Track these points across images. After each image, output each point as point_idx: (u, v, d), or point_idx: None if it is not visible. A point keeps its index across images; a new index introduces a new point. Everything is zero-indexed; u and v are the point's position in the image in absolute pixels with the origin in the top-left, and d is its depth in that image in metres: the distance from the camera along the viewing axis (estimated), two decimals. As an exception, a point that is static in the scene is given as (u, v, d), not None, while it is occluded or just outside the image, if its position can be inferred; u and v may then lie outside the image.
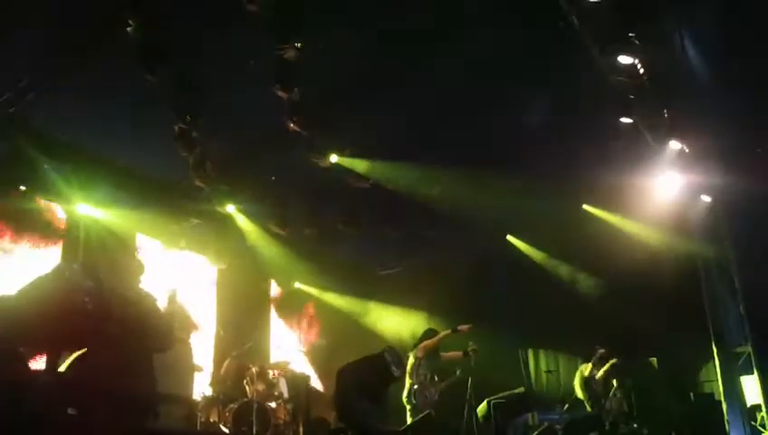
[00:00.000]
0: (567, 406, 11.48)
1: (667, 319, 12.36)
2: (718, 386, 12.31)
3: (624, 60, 9.12)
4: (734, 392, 12.15)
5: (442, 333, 9.66)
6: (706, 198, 12.54)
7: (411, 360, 9.54)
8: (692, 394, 12.33)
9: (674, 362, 12.60)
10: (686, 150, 11.18)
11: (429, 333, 9.86)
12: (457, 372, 9.84)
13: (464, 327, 9.63)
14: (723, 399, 12.07)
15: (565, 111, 10.19)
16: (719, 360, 12.32)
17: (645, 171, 11.57)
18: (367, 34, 8.64)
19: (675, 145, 11.04)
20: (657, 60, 9.41)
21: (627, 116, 10.38)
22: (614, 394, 11.62)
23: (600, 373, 10.77)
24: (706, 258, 12.87)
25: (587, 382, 10.81)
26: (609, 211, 12.95)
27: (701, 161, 11.51)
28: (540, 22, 8.64)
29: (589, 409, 10.86)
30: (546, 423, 10.47)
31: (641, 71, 9.31)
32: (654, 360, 13.01)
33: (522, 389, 10.98)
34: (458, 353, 9.75)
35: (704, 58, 9.44)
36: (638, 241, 12.67)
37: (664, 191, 11.96)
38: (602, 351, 10.84)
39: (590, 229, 13.07)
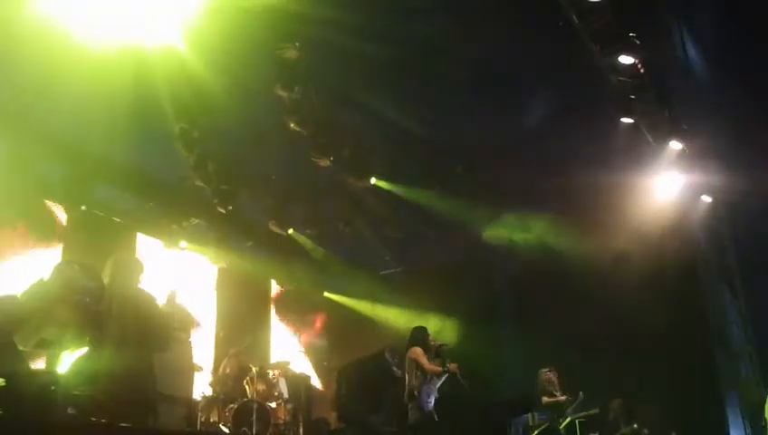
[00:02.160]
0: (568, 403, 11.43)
1: (667, 319, 12.35)
2: (719, 386, 12.30)
3: (624, 59, 9.13)
4: (736, 393, 12.16)
5: (431, 368, 9.47)
6: (707, 198, 12.54)
7: (408, 361, 9.51)
8: (694, 394, 12.32)
9: (674, 362, 12.58)
10: (687, 150, 11.18)
11: (418, 333, 9.79)
12: (449, 368, 9.70)
13: (453, 367, 9.52)
14: (724, 399, 12.06)
15: (565, 111, 10.18)
16: (720, 360, 12.31)
17: (645, 171, 11.57)
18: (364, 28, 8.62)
19: (675, 145, 11.04)
20: (658, 59, 9.41)
21: (627, 116, 10.39)
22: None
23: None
24: (707, 258, 12.86)
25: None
26: (610, 211, 12.94)
27: (702, 161, 11.51)
28: (539, 21, 8.63)
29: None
30: (546, 423, 10.47)
31: (642, 70, 9.32)
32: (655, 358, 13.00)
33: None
34: (439, 369, 9.64)
35: (704, 57, 9.44)
36: (638, 241, 12.65)
37: (664, 191, 11.95)
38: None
39: (592, 229, 13.06)
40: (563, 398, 10.74)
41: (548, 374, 11.09)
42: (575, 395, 10.81)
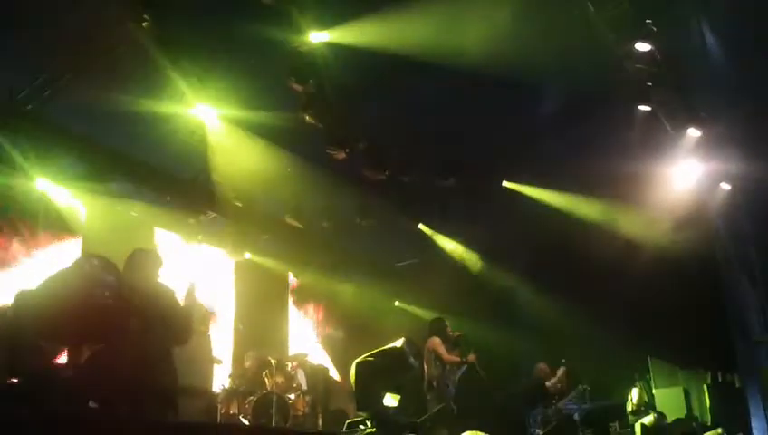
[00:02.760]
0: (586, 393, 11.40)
1: (686, 308, 12.28)
2: (739, 374, 12.22)
3: (641, 47, 9.05)
4: (756, 382, 12.06)
5: (450, 358, 9.50)
6: (726, 186, 12.42)
7: (426, 352, 9.53)
8: (713, 383, 12.26)
9: (693, 351, 12.53)
10: (705, 138, 11.07)
11: (436, 324, 9.82)
12: (468, 358, 9.72)
13: (471, 357, 9.57)
14: (744, 388, 11.98)
15: (582, 100, 10.11)
16: (740, 349, 12.22)
17: (663, 159, 11.48)
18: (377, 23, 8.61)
19: (693, 132, 10.94)
20: (675, 46, 9.32)
21: (644, 103, 10.31)
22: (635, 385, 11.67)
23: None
24: (726, 247, 12.75)
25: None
26: (628, 200, 12.85)
27: (720, 148, 11.40)
28: (555, 8, 8.57)
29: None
30: (564, 412, 10.46)
31: (659, 58, 9.24)
32: (674, 348, 12.95)
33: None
34: (458, 360, 9.66)
35: (722, 44, 9.34)
36: (656, 230, 12.57)
37: (683, 179, 11.85)
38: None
39: (609, 219, 12.99)
40: (549, 387, 10.73)
41: (541, 367, 11.11)
42: (573, 387, 10.79)
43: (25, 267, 9.55)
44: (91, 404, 5.26)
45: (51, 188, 10.18)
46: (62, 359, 5.97)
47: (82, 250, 10.39)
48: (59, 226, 10.32)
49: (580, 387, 10.77)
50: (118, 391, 5.41)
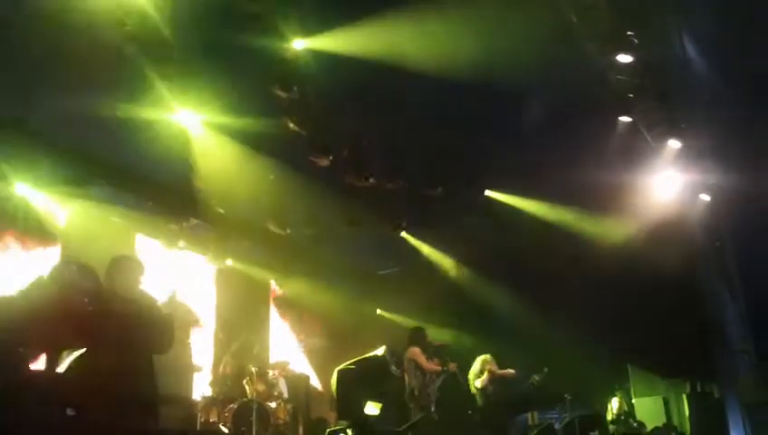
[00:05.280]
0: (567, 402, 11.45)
1: (666, 318, 12.36)
2: (718, 384, 12.32)
3: (623, 58, 9.13)
4: (735, 391, 12.17)
5: (431, 367, 9.52)
6: (705, 197, 12.54)
7: (406, 361, 9.53)
8: (692, 393, 12.34)
9: (674, 360, 12.60)
10: (685, 149, 11.18)
11: (416, 333, 9.83)
12: (449, 367, 9.75)
13: (453, 366, 9.62)
14: (723, 398, 12.08)
15: (563, 110, 10.17)
16: (719, 358, 12.32)
17: (644, 170, 11.57)
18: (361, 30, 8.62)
19: (674, 143, 11.04)
20: (656, 58, 9.42)
21: (625, 115, 10.40)
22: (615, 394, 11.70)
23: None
24: (706, 257, 12.87)
25: None
26: (609, 211, 12.93)
27: (700, 160, 11.51)
28: (537, 19, 8.61)
29: None
30: (546, 422, 10.48)
31: (640, 69, 9.32)
32: (654, 358, 13.01)
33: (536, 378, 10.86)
34: (438, 368, 9.68)
35: (703, 56, 9.44)
36: (637, 240, 12.65)
37: (663, 190, 11.96)
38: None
39: (590, 229, 13.05)
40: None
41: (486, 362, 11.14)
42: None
43: (4, 273, 9.44)
44: (69, 412, 5.19)
45: (30, 192, 10.07)
46: (40, 365, 5.90)
47: (62, 256, 10.28)
48: (38, 231, 10.21)
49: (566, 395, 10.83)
50: (96, 399, 5.35)
